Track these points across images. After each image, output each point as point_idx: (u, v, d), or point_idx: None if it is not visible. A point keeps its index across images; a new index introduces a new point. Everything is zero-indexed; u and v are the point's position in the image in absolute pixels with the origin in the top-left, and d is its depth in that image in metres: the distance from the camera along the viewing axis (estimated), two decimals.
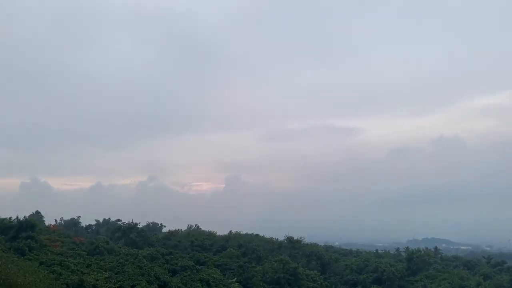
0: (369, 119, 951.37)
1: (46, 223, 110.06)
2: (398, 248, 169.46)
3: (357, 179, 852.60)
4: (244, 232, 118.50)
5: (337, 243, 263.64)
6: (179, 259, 75.15)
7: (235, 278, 71.08)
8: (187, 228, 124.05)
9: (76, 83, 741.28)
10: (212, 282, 65.20)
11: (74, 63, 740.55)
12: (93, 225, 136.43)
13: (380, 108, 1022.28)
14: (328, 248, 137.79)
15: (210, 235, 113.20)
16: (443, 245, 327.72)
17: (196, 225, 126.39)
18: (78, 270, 52.25)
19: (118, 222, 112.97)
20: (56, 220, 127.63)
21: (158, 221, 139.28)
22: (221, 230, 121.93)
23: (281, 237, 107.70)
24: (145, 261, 68.72)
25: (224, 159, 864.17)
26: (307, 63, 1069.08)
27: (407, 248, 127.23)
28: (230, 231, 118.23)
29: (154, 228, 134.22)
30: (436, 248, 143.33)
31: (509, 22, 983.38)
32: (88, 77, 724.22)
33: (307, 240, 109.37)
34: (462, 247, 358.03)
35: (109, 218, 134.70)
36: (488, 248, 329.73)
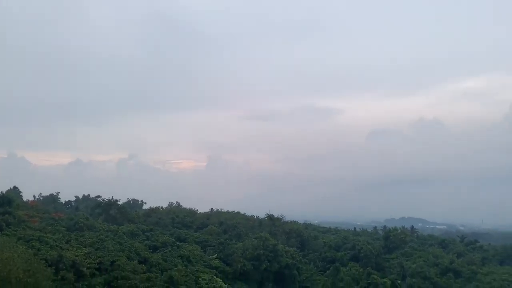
0: (350, 100, 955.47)
1: (24, 199, 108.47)
2: (376, 227, 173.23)
3: (338, 159, 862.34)
4: (225, 210, 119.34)
5: (316, 221, 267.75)
6: (160, 235, 75.35)
7: (216, 255, 71.74)
8: (168, 205, 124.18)
9: (57, 58, 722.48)
10: (193, 258, 65.71)
11: (54, 38, 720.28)
12: (72, 201, 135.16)
13: (361, 89, 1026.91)
14: (307, 226, 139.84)
15: (191, 213, 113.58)
16: (420, 224, 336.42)
17: (177, 202, 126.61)
18: (57, 246, 51.92)
19: (98, 199, 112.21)
20: (34, 196, 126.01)
21: (139, 198, 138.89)
22: (202, 208, 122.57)
23: (261, 215, 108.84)
24: (125, 237, 68.70)
25: (206, 138, 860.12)
26: (289, 43, 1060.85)
27: (385, 227, 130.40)
28: (211, 209, 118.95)
29: (134, 205, 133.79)
30: (412, 227, 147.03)
31: (490, 7, 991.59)
32: (69, 52, 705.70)
33: (287, 218, 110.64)
34: (437, 227, 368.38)
35: (89, 195, 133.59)
36: (462, 228, 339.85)
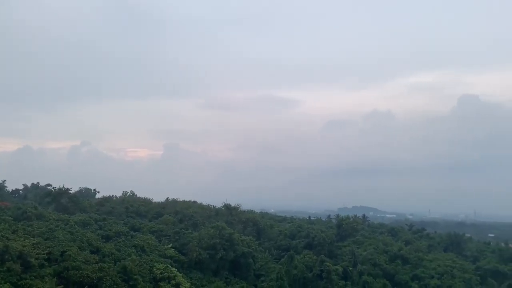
0: (308, 92, 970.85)
1: None
2: (330, 215, 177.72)
3: (295, 149, 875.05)
4: (181, 199, 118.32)
5: (272, 210, 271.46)
6: (113, 225, 73.76)
7: (171, 244, 71.18)
8: (122, 194, 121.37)
9: (4, 39, 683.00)
10: (147, 248, 64.85)
11: (2, 17, 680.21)
12: (20, 190, 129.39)
13: (319, 82, 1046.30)
14: (264, 215, 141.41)
15: (146, 202, 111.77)
16: (371, 213, 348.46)
17: (131, 191, 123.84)
18: (3, 236, 49.59)
19: (48, 187, 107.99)
20: None
21: (92, 187, 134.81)
22: (157, 197, 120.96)
23: (219, 204, 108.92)
24: (77, 227, 66.73)
25: (162, 126, 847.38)
26: (250, 34, 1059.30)
27: (338, 215, 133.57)
28: (167, 198, 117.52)
29: (87, 194, 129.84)
30: (364, 216, 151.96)
31: (440, 7, 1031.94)
32: (17, 33, 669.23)
33: (244, 207, 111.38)
34: (387, 215, 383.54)
35: (38, 183, 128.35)
36: (411, 217, 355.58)
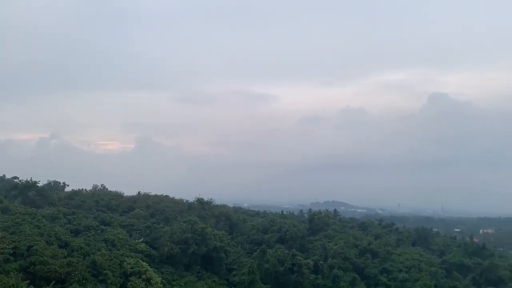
0: (283, 87, 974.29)
1: None
2: (302, 210, 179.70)
3: (269, 144, 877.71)
4: (153, 193, 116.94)
5: (246, 205, 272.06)
6: (83, 219, 72.31)
7: (142, 239, 70.36)
8: (93, 188, 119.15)
9: None
10: (118, 242, 63.90)
11: None
12: None
13: (294, 77, 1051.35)
14: (237, 209, 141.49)
15: (117, 196, 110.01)
16: (342, 208, 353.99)
17: (102, 185, 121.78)
18: None
19: (15, 180, 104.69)
20: None
21: (61, 180, 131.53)
22: (129, 191, 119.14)
23: (191, 198, 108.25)
24: (44, 221, 65.05)
25: (135, 119, 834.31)
26: (227, 28, 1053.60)
27: (310, 210, 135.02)
28: (139, 192, 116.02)
29: (55, 187, 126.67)
30: (335, 211, 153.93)
31: (410, 8, 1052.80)
32: None
33: (217, 202, 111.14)
34: (358, 210, 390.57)
35: (4, 175, 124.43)
36: (381, 211, 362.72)
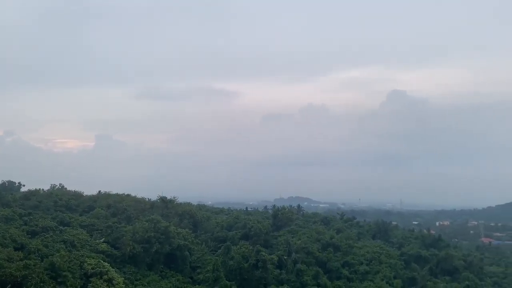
0: (247, 84, 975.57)
1: None
2: (266, 206, 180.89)
3: (233, 140, 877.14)
4: (114, 192, 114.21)
5: (210, 202, 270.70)
6: (40, 220, 69.82)
7: (103, 239, 68.82)
8: (50, 187, 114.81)
9: None
10: (78, 243, 62.23)
11: None
12: None
13: (258, 74, 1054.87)
14: (201, 207, 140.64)
15: (77, 195, 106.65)
16: (305, 203, 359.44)
17: (60, 184, 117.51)
18: None
19: None
20: None
21: (16, 179, 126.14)
22: (89, 190, 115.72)
23: (154, 197, 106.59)
24: None
25: (96, 116, 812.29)
26: (190, 24, 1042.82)
27: (274, 206, 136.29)
28: (99, 191, 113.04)
29: (10, 187, 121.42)
30: (299, 206, 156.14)
31: (373, 6, 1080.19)
32: None
33: (180, 200, 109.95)
34: (321, 205, 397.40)
35: None
36: (343, 206, 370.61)
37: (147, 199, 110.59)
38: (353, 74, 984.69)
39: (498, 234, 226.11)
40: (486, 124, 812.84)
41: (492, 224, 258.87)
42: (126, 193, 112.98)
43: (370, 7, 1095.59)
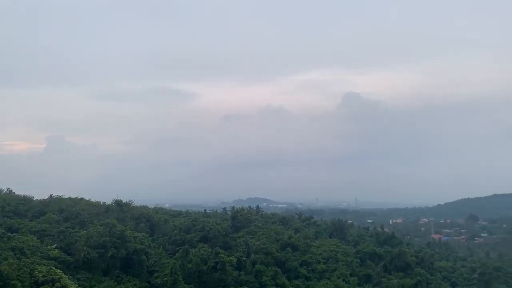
0: (204, 85, 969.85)
1: None
2: (225, 207, 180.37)
3: (190, 142, 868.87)
4: (67, 196, 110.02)
5: (167, 205, 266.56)
6: None
7: (55, 245, 66.09)
8: None
9: None
10: (27, 249, 59.38)
11: None
12: None
13: (214, 74, 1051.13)
14: (158, 210, 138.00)
15: (26, 200, 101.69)
16: (264, 204, 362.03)
17: (8, 188, 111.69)
18: None
19: None
20: None
21: None
22: (39, 195, 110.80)
23: (109, 200, 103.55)
24: None
25: (46, 118, 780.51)
26: (147, 24, 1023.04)
27: (233, 207, 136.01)
28: (51, 195, 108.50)
29: None
30: (258, 207, 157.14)
31: (329, 9, 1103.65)
32: None
33: (136, 203, 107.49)
34: (279, 205, 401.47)
35: None
36: (300, 206, 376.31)
37: (101, 203, 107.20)
38: (310, 76, 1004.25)
39: (447, 230, 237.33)
40: (436, 125, 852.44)
41: (442, 221, 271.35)
42: (79, 197, 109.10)
43: (327, 10, 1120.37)
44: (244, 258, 76.36)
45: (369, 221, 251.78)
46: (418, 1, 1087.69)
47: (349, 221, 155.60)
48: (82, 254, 62.87)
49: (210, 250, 73.46)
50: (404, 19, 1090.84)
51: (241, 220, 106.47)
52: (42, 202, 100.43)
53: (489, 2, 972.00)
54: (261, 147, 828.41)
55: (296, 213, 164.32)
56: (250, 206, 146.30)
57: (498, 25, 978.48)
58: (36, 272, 50.74)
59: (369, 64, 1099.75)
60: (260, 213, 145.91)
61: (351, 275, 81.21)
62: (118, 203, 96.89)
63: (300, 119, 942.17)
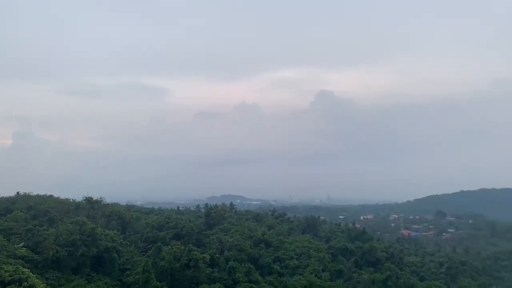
0: (178, 81, 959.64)
1: None
2: (199, 205, 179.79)
3: (164, 139, 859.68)
4: (35, 193, 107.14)
5: (139, 203, 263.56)
6: None
7: (22, 243, 64.33)
8: None
9: None
10: None
11: None
12: None
13: (189, 71, 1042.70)
14: (130, 207, 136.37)
15: None
16: (238, 201, 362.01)
17: None
18: None
19: None
20: None
21: None
22: (5, 192, 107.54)
23: (79, 197, 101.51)
24: None
25: (13, 113, 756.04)
26: (117, 18, 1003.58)
27: (206, 204, 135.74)
28: (18, 192, 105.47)
29: None
30: (231, 204, 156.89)
31: (303, 8, 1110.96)
32: None
33: (108, 200, 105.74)
34: (253, 202, 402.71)
35: None
36: (274, 203, 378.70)
37: (71, 200, 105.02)
38: (285, 74, 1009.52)
39: (416, 226, 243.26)
40: (406, 124, 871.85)
41: (411, 217, 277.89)
42: (48, 194, 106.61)
43: (302, 10, 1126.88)
44: (217, 255, 76.21)
45: (341, 217, 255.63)
46: (389, 2, 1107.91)
47: (322, 218, 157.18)
48: (51, 253, 61.36)
49: (183, 247, 72.92)
50: (375, 20, 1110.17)
51: (214, 217, 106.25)
52: (8, 200, 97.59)
53: (458, 7, 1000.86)
54: (235, 144, 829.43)
55: (270, 210, 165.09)
56: (224, 203, 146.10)
57: (467, 29, 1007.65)
58: (2, 271, 49.19)
59: (342, 63, 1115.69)
60: (234, 210, 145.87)
61: (323, 270, 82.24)
62: (89, 200, 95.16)
63: (274, 116, 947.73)
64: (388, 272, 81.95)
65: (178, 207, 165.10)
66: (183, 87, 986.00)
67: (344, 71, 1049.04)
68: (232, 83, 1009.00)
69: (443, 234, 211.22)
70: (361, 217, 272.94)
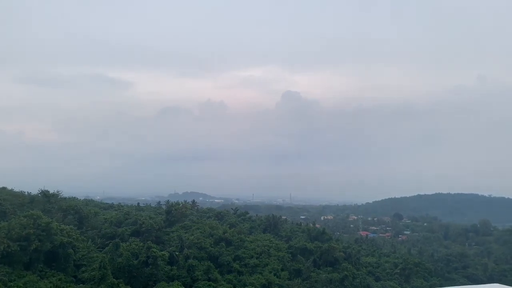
0: (142, 74, 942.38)
1: None
2: (160, 201, 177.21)
3: (125, 134, 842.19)
4: None
5: (98, 198, 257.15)
6: None
7: None
8: None
9: None
10: None
11: None
12: None
13: (153, 64, 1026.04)
14: (88, 202, 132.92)
15: None
16: (201, 198, 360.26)
17: None
18: None
19: None
20: None
21: None
22: None
23: (35, 191, 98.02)
24: None
25: None
26: (81, 8, 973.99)
27: (168, 201, 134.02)
28: None
29: None
30: (194, 201, 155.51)
31: (270, 9, 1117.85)
32: None
33: (65, 194, 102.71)
34: (216, 200, 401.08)
35: None
36: (237, 201, 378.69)
37: (26, 193, 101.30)
38: (252, 73, 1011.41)
39: (373, 227, 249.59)
40: (368, 127, 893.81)
41: (369, 219, 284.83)
42: (1, 186, 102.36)
43: (270, 10, 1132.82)
44: (177, 253, 75.55)
45: (302, 217, 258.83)
46: (357, 8, 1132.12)
47: (283, 217, 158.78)
48: (2, 247, 58.94)
49: (141, 244, 71.84)
50: (341, 24, 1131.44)
51: (175, 215, 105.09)
52: None
53: (421, 16, 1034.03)
54: (199, 141, 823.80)
55: (232, 208, 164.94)
56: (186, 201, 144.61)
57: (428, 38, 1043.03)
58: None
59: (309, 65, 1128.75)
60: (196, 207, 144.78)
61: (282, 269, 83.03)
62: (45, 193, 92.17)
63: (240, 115, 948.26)
64: (345, 272, 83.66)
65: (138, 203, 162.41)
66: (147, 82, 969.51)
67: (310, 72, 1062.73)
68: (198, 79, 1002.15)
69: (399, 236, 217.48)
70: (322, 218, 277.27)
